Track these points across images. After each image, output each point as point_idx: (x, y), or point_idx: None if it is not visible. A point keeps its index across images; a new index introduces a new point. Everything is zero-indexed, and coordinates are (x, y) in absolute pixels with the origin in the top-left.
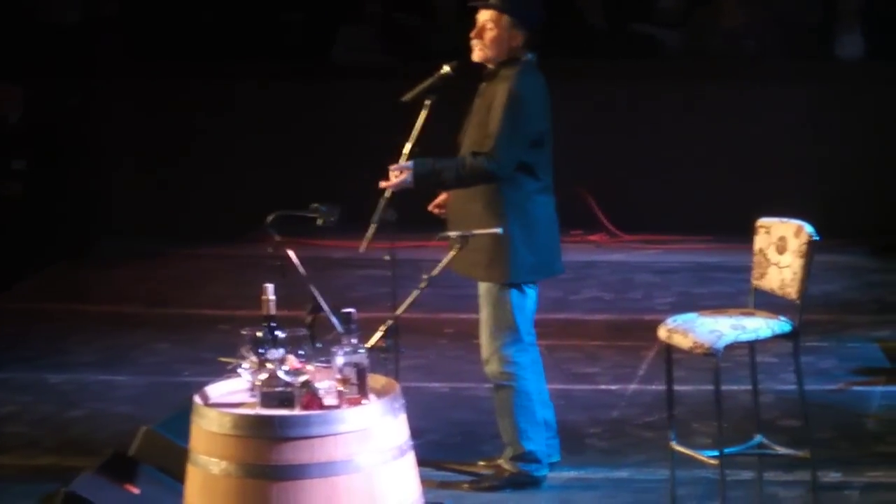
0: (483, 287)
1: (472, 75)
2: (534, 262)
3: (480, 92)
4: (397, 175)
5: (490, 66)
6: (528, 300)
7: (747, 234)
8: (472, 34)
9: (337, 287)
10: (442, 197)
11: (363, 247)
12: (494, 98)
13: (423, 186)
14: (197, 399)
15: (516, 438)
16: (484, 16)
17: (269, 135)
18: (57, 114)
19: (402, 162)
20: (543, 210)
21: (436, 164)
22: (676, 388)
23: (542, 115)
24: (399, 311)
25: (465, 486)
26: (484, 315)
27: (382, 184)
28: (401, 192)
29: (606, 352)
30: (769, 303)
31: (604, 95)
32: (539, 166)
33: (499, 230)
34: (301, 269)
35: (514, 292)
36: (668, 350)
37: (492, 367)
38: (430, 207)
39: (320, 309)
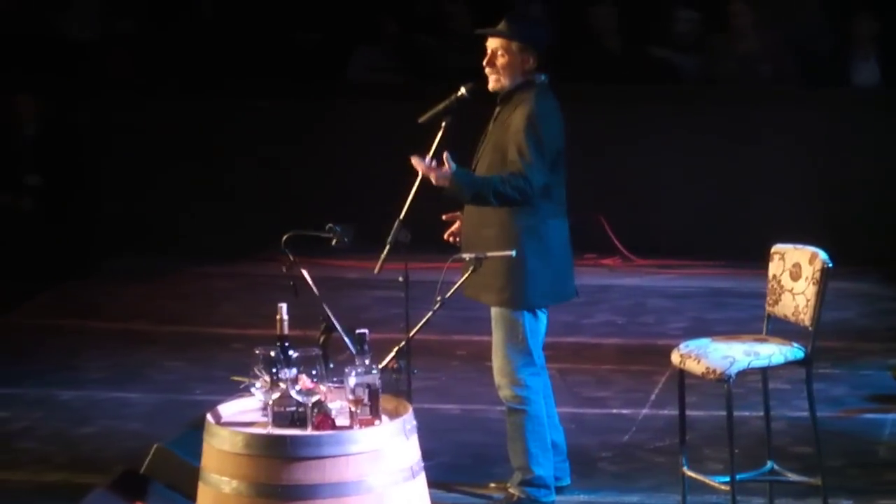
0: (495, 311)
1: (487, 97)
2: (548, 287)
3: (496, 115)
4: (441, 166)
5: (502, 91)
6: (540, 324)
7: (761, 259)
8: (485, 62)
9: (350, 307)
10: (456, 225)
11: (378, 268)
12: (512, 122)
13: (454, 193)
14: (209, 417)
15: (526, 462)
16: (493, 43)
17: (284, 154)
18: (70, 130)
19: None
20: (557, 234)
21: (475, 177)
22: (688, 413)
23: (559, 137)
24: (412, 333)
25: None
26: (497, 338)
27: (420, 166)
28: (415, 215)
29: (618, 376)
30: (783, 329)
31: (619, 119)
32: (554, 188)
33: (512, 253)
34: (314, 289)
35: (527, 316)
36: (681, 375)
37: (504, 391)
38: (445, 237)
39: (333, 329)
